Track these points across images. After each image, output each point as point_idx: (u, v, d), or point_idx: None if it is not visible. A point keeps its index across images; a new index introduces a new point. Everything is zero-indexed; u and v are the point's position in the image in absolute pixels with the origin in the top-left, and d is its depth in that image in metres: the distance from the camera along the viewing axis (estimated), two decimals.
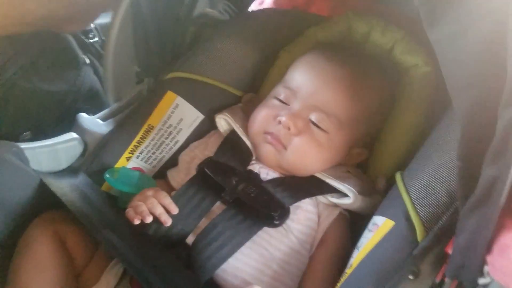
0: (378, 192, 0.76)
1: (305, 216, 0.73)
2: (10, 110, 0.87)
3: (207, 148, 0.84)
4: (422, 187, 0.61)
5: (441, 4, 0.45)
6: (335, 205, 0.76)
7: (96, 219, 0.69)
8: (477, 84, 0.44)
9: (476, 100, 0.45)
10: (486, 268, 0.49)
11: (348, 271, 0.61)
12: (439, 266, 0.59)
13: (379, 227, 0.62)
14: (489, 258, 0.48)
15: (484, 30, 0.43)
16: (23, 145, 0.77)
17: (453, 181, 0.59)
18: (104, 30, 1.00)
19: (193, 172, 0.79)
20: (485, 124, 0.44)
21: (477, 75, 0.44)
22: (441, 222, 0.58)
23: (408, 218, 0.59)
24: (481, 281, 0.50)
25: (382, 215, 0.64)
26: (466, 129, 0.46)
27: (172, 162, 0.87)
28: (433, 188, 0.60)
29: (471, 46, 0.44)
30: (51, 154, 0.80)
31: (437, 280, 0.59)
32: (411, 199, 0.61)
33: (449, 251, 0.59)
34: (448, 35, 0.46)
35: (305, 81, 0.78)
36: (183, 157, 0.85)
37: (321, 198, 0.75)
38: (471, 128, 0.46)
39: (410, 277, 0.58)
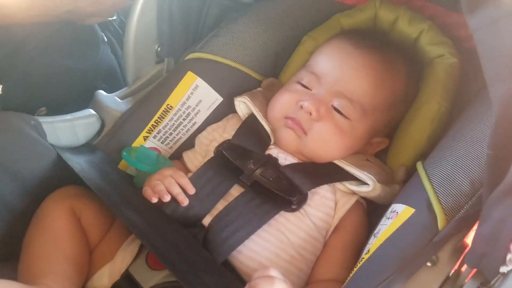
0: (396, 182, 0.75)
1: (322, 202, 0.73)
2: (29, 84, 0.86)
3: (225, 131, 0.83)
4: (444, 176, 0.61)
5: None
6: (353, 193, 0.75)
7: (114, 195, 0.69)
8: None
9: None
10: (509, 256, 0.49)
11: (365, 256, 0.61)
12: (458, 255, 0.59)
13: (399, 214, 0.62)
14: None
15: None
16: (41, 119, 0.77)
17: (476, 171, 0.59)
18: (123, 9, 0.99)
19: (211, 154, 0.79)
20: None
21: None
22: (462, 211, 0.58)
23: (429, 207, 0.59)
24: (503, 269, 0.50)
25: (402, 202, 0.63)
26: (501, 119, 0.46)
27: (188, 143, 0.86)
28: (456, 178, 0.60)
29: (510, 35, 0.43)
30: (68, 130, 0.80)
31: (455, 268, 0.60)
32: (434, 188, 0.60)
33: (469, 241, 0.59)
34: (489, 22, 0.45)
35: (330, 66, 0.77)
36: (201, 139, 0.85)
37: (339, 185, 0.75)
38: (506, 118, 0.46)
39: (428, 264, 0.58)
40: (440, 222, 0.57)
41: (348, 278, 0.62)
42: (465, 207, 0.58)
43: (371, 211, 0.78)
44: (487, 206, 0.50)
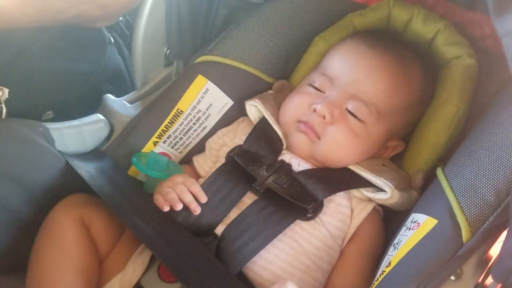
0: (414, 188, 0.73)
1: (338, 210, 0.71)
2: (33, 88, 0.85)
3: (236, 135, 0.81)
4: (467, 184, 0.58)
5: None
6: (370, 200, 0.73)
7: (124, 204, 0.67)
8: None
9: None
10: None
11: (387, 269, 0.59)
12: (483, 268, 0.57)
13: (421, 225, 0.60)
14: None
15: None
16: (49, 125, 0.75)
17: (501, 179, 0.57)
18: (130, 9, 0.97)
19: (221, 160, 0.77)
20: None
21: None
22: (488, 223, 0.55)
23: (453, 217, 0.57)
24: None
25: (423, 212, 0.61)
26: None
27: (198, 148, 0.85)
28: (480, 186, 0.57)
29: None
30: (77, 136, 0.78)
31: (480, 281, 0.58)
32: (456, 197, 0.58)
33: (494, 253, 0.57)
34: None
35: (344, 68, 0.75)
36: (211, 144, 0.83)
37: (355, 191, 0.73)
38: None
39: (452, 278, 0.56)
40: (465, 234, 0.55)
41: None
42: (490, 218, 0.55)
43: (387, 218, 0.76)
44: None
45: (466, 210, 0.57)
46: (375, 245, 0.71)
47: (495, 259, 0.54)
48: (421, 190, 0.72)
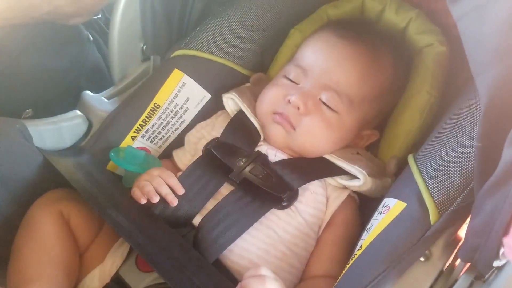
0: (388, 175, 0.74)
1: (313, 198, 0.72)
2: (11, 86, 0.85)
3: (214, 128, 0.82)
4: (436, 169, 0.60)
5: None
6: (344, 188, 0.74)
7: (102, 198, 0.68)
8: (500, 61, 0.43)
9: (499, 78, 0.43)
10: (502, 250, 0.48)
11: (358, 252, 0.60)
12: (451, 249, 0.59)
13: (390, 209, 0.61)
14: (505, 240, 0.47)
15: (508, 3, 0.41)
16: (26, 122, 0.76)
17: (468, 163, 0.58)
18: (108, 7, 0.98)
19: (200, 153, 0.77)
20: (508, 103, 0.43)
21: (501, 51, 0.42)
22: (455, 205, 0.56)
23: (421, 200, 0.58)
24: (496, 263, 0.50)
25: (394, 197, 0.62)
26: (488, 109, 0.45)
27: (178, 142, 0.85)
28: (447, 170, 0.59)
29: (494, 20, 0.42)
30: (55, 132, 0.78)
31: (449, 262, 0.59)
32: (425, 181, 0.59)
33: (462, 234, 0.58)
34: (471, 10, 0.44)
35: (316, 59, 0.76)
36: (190, 138, 0.84)
37: (330, 180, 0.74)
38: (493, 107, 0.44)
39: (422, 259, 0.58)
40: (432, 216, 0.57)
41: (341, 275, 0.61)
42: (457, 200, 0.57)
43: (363, 205, 0.77)
44: (479, 199, 0.49)
45: (433, 193, 0.58)
46: (351, 231, 0.72)
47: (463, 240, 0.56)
48: (395, 177, 0.73)
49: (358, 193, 0.76)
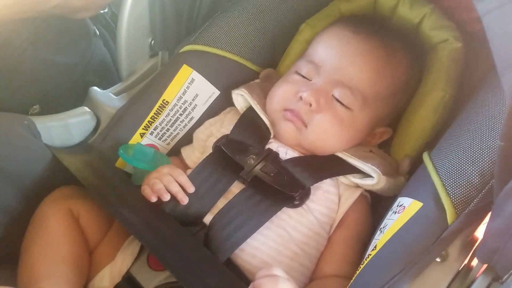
0: (401, 173, 0.73)
1: (325, 197, 0.71)
2: (18, 81, 0.84)
3: (223, 125, 0.81)
4: (452, 167, 0.58)
5: None
6: (357, 186, 0.73)
7: (111, 196, 0.67)
8: None
9: None
10: None
11: (372, 252, 0.59)
12: (469, 249, 0.58)
13: (406, 208, 0.60)
14: None
15: None
16: (34, 119, 0.75)
17: (485, 161, 0.57)
18: (115, 1, 0.96)
19: (209, 150, 0.77)
20: None
21: None
22: (472, 205, 0.55)
23: (437, 200, 0.57)
24: None
25: (409, 196, 0.61)
26: None
27: (186, 139, 0.84)
28: (465, 169, 0.57)
29: None
30: (63, 129, 0.78)
31: (465, 263, 0.58)
32: (441, 180, 0.58)
33: (479, 234, 0.57)
34: (495, 8, 0.42)
35: (329, 55, 0.74)
36: (198, 135, 0.83)
37: (342, 178, 0.73)
38: None
39: (438, 260, 0.57)
40: (449, 216, 0.55)
41: (355, 275, 0.60)
42: (475, 200, 0.55)
43: (375, 203, 0.76)
44: (500, 200, 0.48)
45: (451, 192, 0.57)
46: (363, 231, 0.71)
47: (480, 241, 0.55)
48: (408, 176, 0.72)
49: (370, 192, 0.75)
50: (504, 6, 0.41)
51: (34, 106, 0.86)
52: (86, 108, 0.80)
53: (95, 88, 0.83)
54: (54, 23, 0.84)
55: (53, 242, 0.68)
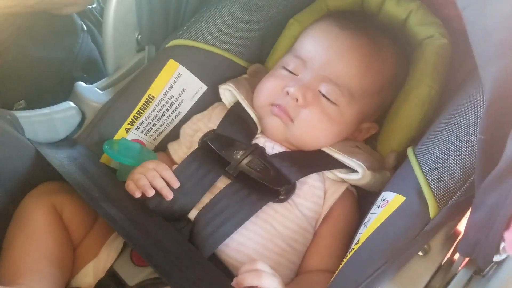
0: (387, 169, 0.73)
1: (311, 192, 0.71)
2: (4, 76, 0.83)
3: (210, 120, 0.81)
4: (435, 162, 0.59)
5: None
6: (342, 181, 0.73)
7: (95, 192, 0.67)
8: (504, 55, 0.42)
9: (504, 72, 0.42)
10: (503, 244, 0.47)
11: (355, 246, 0.59)
12: (450, 243, 0.58)
13: (389, 202, 0.60)
14: (506, 235, 0.46)
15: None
16: (17, 113, 0.74)
17: (468, 156, 0.57)
18: None
19: (195, 145, 0.76)
20: None
21: (505, 45, 0.41)
22: (454, 198, 0.56)
23: (420, 194, 0.57)
24: (496, 258, 0.49)
25: (393, 190, 0.61)
26: (492, 102, 0.43)
27: (173, 135, 0.84)
28: (447, 163, 0.58)
29: (497, 14, 0.41)
30: (47, 124, 0.76)
31: (447, 257, 0.58)
32: (424, 174, 0.58)
33: (462, 228, 0.58)
34: (473, 2, 0.42)
35: (316, 50, 0.74)
36: (186, 130, 0.82)
37: (328, 173, 0.73)
38: (498, 100, 0.43)
39: (420, 253, 0.57)
40: (432, 210, 0.56)
41: (339, 269, 0.60)
42: (457, 194, 0.56)
43: (362, 199, 0.76)
44: (480, 193, 0.48)
45: (433, 186, 0.57)
46: (348, 226, 0.71)
47: (462, 234, 0.55)
48: (394, 171, 0.72)
49: (357, 187, 0.75)
50: (479, 1, 0.42)
51: (19, 102, 0.85)
52: (71, 103, 0.79)
53: (81, 83, 0.82)
54: (40, 18, 0.83)
55: (35, 238, 0.67)
